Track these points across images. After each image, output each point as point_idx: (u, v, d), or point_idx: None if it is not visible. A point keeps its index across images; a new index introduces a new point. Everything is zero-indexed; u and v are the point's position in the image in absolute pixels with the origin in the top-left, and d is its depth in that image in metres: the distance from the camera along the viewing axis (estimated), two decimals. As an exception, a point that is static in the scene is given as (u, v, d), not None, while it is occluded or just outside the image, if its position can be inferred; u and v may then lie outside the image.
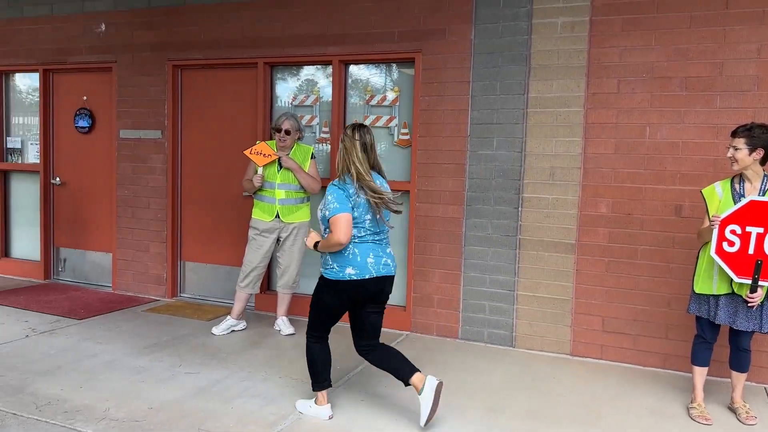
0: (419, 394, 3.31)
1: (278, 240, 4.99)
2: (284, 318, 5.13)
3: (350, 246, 3.28)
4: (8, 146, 6.98)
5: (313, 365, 3.48)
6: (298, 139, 4.98)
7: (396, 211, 3.39)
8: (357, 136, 3.32)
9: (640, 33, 4.46)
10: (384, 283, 3.37)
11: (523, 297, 4.83)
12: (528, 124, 4.75)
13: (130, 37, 6.10)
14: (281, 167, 4.89)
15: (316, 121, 5.56)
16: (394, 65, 5.28)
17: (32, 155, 6.86)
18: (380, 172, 3.45)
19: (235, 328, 5.10)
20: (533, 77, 4.72)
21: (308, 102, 5.58)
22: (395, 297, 5.36)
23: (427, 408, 3.27)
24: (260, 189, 4.95)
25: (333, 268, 3.32)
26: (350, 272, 3.28)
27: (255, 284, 5.05)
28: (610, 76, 4.54)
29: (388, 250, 3.41)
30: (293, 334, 5.05)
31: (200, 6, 5.77)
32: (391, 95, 5.28)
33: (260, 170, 4.92)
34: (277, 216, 4.92)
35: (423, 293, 5.13)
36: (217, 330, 5.00)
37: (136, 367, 4.21)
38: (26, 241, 6.99)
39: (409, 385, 3.35)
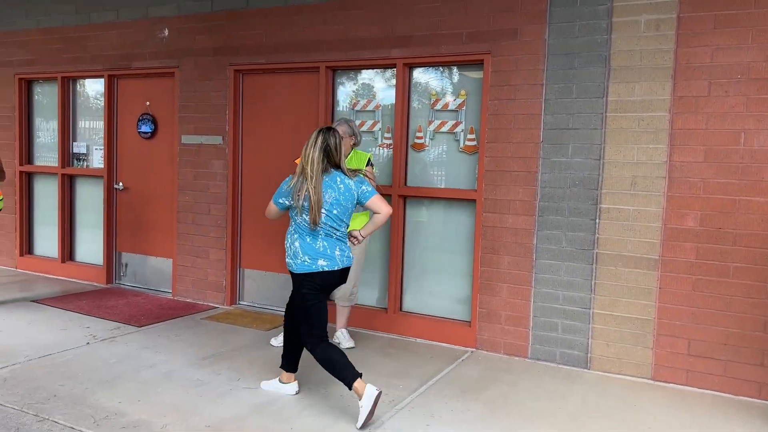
0: (360, 400, 3.42)
1: None
2: (344, 330, 4.95)
3: (320, 240, 3.52)
4: (74, 151, 7.07)
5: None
6: (354, 144, 4.78)
7: (312, 223, 3.50)
8: (320, 140, 3.51)
9: (735, 30, 4.07)
10: (344, 276, 3.65)
11: (600, 316, 4.49)
12: (607, 130, 4.42)
13: (192, 41, 6.07)
14: None
15: (378, 126, 5.37)
16: (461, 68, 5.04)
17: (97, 160, 6.93)
18: (344, 172, 3.58)
19: (294, 340, 4.95)
20: (613, 79, 4.39)
21: (370, 107, 5.40)
22: (458, 311, 5.11)
23: (364, 414, 3.40)
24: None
25: (305, 261, 3.53)
26: (322, 263, 3.52)
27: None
28: (700, 77, 4.17)
29: (337, 245, 3.59)
30: (353, 347, 4.86)
31: (262, 10, 5.68)
32: (457, 99, 5.04)
33: None
34: None
35: (489, 308, 4.85)
36: (276, 341, 4.86)
37: (194, 379, 4.10)
38: (90, 245, 7.06)
39: (352, 390, 3.45)
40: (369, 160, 4.76)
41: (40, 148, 7.35)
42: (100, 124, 6.88)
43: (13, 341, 4.72)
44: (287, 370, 3.92)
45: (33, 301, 5.95)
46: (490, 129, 4.79)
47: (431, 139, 5.16)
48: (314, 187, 3.42)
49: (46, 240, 7.34)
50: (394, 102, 5.25)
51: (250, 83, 5.92)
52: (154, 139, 6.52)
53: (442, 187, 5.14)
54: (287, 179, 3.58)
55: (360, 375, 3.49)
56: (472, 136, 4.99)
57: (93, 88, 6.93)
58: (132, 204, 6.71)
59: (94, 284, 6.80)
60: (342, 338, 4.90)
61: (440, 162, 5.15)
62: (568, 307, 4.59)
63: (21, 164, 7.30)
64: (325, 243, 3.53)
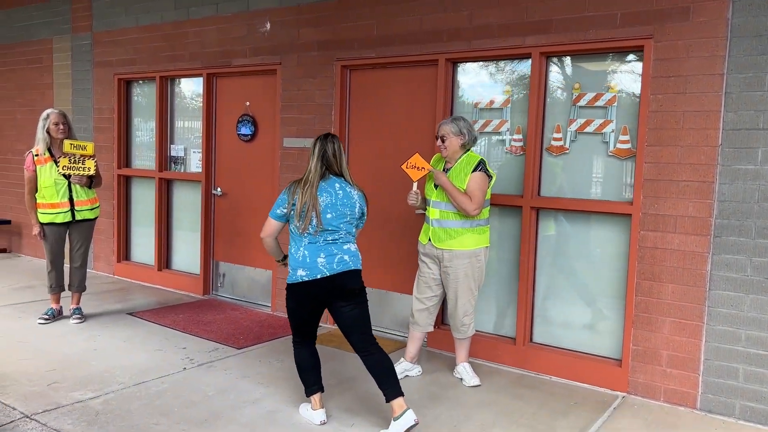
0: (393, 419, 3.32)
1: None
2: (466, 365, 4.26)
3: (301, 248, 3.41)
4: (172, 154, 6.76)
5: (299, 370, 3.59)
6: (463, 145, 4.06)
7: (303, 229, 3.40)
8: (317, 148, 3.45)
9: None
10: (343, 279, 3.42)
11: (799, 364, 3.57)
12: (813, 130, 3.50)
13: (296, 35, 5.55)
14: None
15: (506, 126, 4.64)
16: (613, 56, 4.22)
17: (194, 164, 6.58)
18: (347, 179, 3.50)
19: (410, 373, 4.31)
20: (823, 66, 3.46)
21: (497, 104, 4.68)
22: (603, 347, 4.30)
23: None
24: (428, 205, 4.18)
25: (289, 271, 3.48)
26: (301, 274, 3.40)
27: (424, 321, 4.24)
28: None
29: (345, 247, 3.46)
30: (479, 385, 4.16)
31: (373, -3, 5.08)
32: (606, 94, 4.23)
33: (415, 186, 4.14)
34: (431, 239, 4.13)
35: (646, 346, 4.02)
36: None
37: (302, 423, 3.54)
38: (186, 253, 6.74)
39: (389, 403, 3.36)
40: (481, 164, 4.01)
41: (138, 151, 7.11)
42: (197, 126, 6.53)
43: (108, 363, 4.34)
44: (309, 394, 3.65)
45: (129, 313, 5.63)
46: (652, 129, 3.95)
47: (572, 141, 4.38)
48: (305, 191, 3.37)
49: (143, 246, 7.09)
50: (525, 98, 4.51)
51: (358, 80, 5.33)
52: (254, 142, 6.08)
53: (586, 198, 4.35)
54: (285, 190, 3.49)
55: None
56: (626, 138, 4.16)
57: (191, 87, 6.59)
58: (230, 211, 6.30)
59: (190, 295, 6.46)
60: (464, 374, 4.22)
61: (583, 168, 4.36)
62: (752, 350, 3.69)
63: (119, 167, 7.08)
64: (306, 251, 3.40)
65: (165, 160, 6.76)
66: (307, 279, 3.38)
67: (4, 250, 8.39)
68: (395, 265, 5.20)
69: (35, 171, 5.12)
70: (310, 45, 5.47)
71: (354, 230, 3.54)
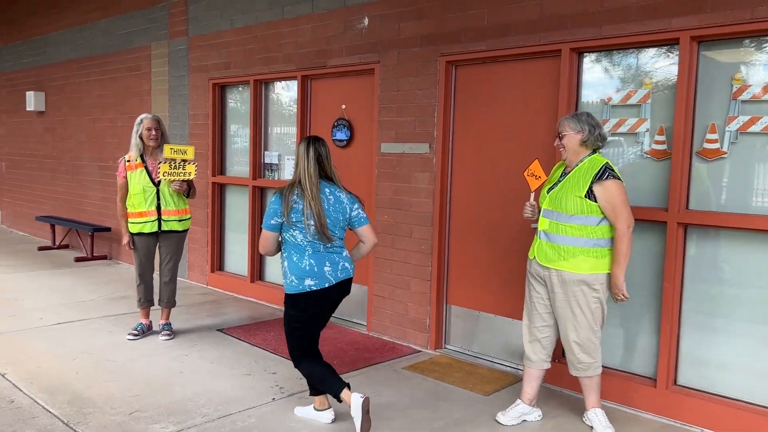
0: (350, 411, 3.25)
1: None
2: (597, 411, 3.56)
3: (306, 258, 3.34)
4: (266, 161, 6.46)
5: (315, 376, 3.43)
6: (583, 143, 3.37)
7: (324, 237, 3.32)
8: (312, 152, 3.37)
9: None
10: (346, 288, 3.48)
11: None
12: None
13: (396, 30, 5.06)
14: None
15: (645, 125, 3.91)
16: (786, 38, 3.41)
17: (288, 171, 6.23)
18: (336, 182, 3.46)
19: (528, 418, 3.68)
20: None
21: (633, 100, 3.96)
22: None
23: (358, 423, 3.22)
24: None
25: (292, 281, 3.38)
26: (309, 283, 3.34)
27: (537, 356, 3.60)
28: None
29: (344, 254, 3.47)
30: (613, 437, 3.47)
31: (484, -18, 4.49)
32: (778, 85, 3.43)
33: (531, 197, 3.59)
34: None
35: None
36: (504, 418, 3.63)
37: (405, 478, 3.01)
38: (280, 266, 6.40)
39: (341, 401, 3.32)
40: (606, 170, 3.30)
41: (232, 158, 6.88)
42: (292, 132, 6.18)
43: (193, 389, 4.00)
44: (315, 394, 3.59)
45: (219, 330, 5.34)
46: None
47: (732, 143, 3.59)
48: (314, 200, 3.29)
49: (237, 256, 6.84)
50: (671, 92, 3.77)
51: (465, 77, 4.76)
52: (349, 148, 5.64)
53: (749, 213, 3.55)
54: (274, 199, 3.37)
55: (347, 385, 3.34)
56: (807, 139, 3.34)
57: (285, 91, 6.26)
58: (323, 221, 5.90)
59: (282, 309, 6.11)
60: (596, 423, 3.52)
61: (746, 176, 3.56)
62: None
63: (213, 175, 6.87)
64: (312, 260, 3.35)
65: (259, 167, 6.47)
66: (316, 288, 3.34)
67: (104, 257, 8.46)
68: (505, 286, 4.58)
69: (126, 178, 4.92)
70: (411, 40, 4.96)
71: (343, 234, 3.48)
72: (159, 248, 5.08)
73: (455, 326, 4.93)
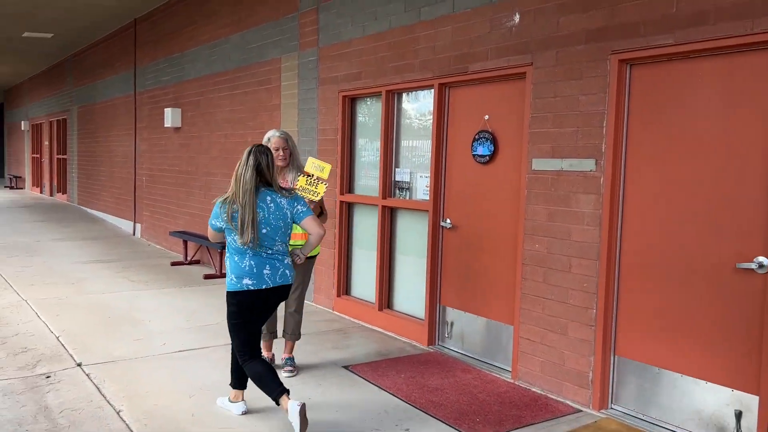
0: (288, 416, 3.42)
1: None
2: None
3: (247, 259, 3.54)
4: (396, 179, 5.89)
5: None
6: None
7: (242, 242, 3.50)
8: (251, 160, 3.52)
9: None
10: (284, 293, 3.68)
11: None
12: None
13: (554, 26, 4.29)
14: None
15: None
16: None
17: (421, 190, 5.62)
18: (278, 189, 3.59)
19: None
20: None
21: None
22: None
23: (297, 427, 3.37)
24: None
25: (231, 279, 3.58)
26: (247, 282, 3.54)
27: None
28: None
29: (286, 261, 3.67)
30: None
31: (671, -39, 3.62)
32: None
33: None
34: None
35: None
36: None
37: None
38: (410, 293, 5.79)
39: (279, 405, 3.51)
40: None
41: (361, 175, 6.38)
42: (425, 147, 5.57)
43: (314, 445, 3.46)
44: (234, 387, 3.86)
45: (345, 366, 4.80)
46: None
47: None
48: (244, 206, 3.46)
49: (365, 281, 6.32)
50: None
51: (643, 78, 3.89)
52: (492, 164, 4.92)
53: None
54: (218, 201, 3.56)
55: (287, 391, 3.49)
56: None
57: (420, 102, 5.66)
58: (462, 247, 5.21)
59: (413, 344, 5.48)
60: None
61: None
62: None
63: (341, 193, 6.42)
64: (252, 262, 3.54)
65: (389, 185, 5.92)
66: (253, 288, 3.54)
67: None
68: (703, 340, 3.63)
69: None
70: (574, 36, 4.17)
71: (285, 240, 3.64)
72: None
73: (626, 383, 4.04)
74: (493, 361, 4.95)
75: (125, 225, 12.58)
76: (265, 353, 4.71)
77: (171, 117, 9.91)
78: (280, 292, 3.66)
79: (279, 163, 4.45)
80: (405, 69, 5.55)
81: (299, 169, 4.53)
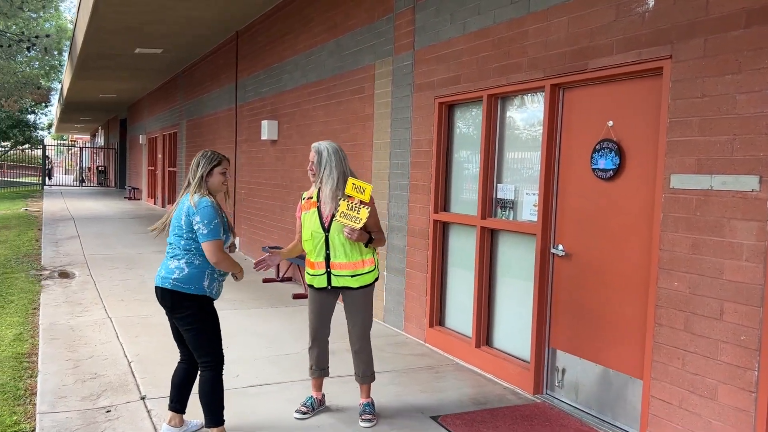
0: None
1: None
2: None
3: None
4: (498, 196, 5.13)
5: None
6: None
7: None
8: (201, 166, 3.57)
9: None
10: (159, 294, 3.54)
11: None
12: None
13: (702, 7, 3.40)
14: None
15: None
16: None
17: (527, 210, 4.82)
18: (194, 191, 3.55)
19: None
20: None
21: None
22: None
23: None
24: None
25: None
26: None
27: None
28: None
29: (168, 262, 3.53)
30: None
31: None
32: None
33: None
34: None
35: None
36: None
37: None
38: (513, 329, 4.99)
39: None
40: None
41: (458, 192, 5.67)
42: (533, 159, 4.78)
43: None
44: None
45: (434, 417, 4.09)
46: None
47: None
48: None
49: (460, 310, 5.59)
50: None
51: (830, 68, 2.93)
52: (617, 180, 4.05)
53: None
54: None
55: (178, 410, 3.68)
56: None
57: (526, 106, 4.88)
58: (577, 280, 4.36)
59: (516, 391, 4.67)
60: None
61: None
62: None
63: (435, 211, 5.73)
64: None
65: (489, 203, 5.16)
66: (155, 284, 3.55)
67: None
68: None
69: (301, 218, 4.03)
70: (729, 19, 3.26)
71: (183, 243, 3.47)
72: (344, 308, 4.05)
73: (800, 472, 3.04)
74: (614, 421, 4.05)
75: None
76: (313, 393, 4.12)
77: (267, 129, 9.68)
78: (163, 295, 3.51)
79: (311, 178, 3.99)
80: (511, 69, 4.80)
81: (336, 182, 3.89)
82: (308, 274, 4.01)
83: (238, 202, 11.66)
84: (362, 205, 3.81)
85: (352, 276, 3.93)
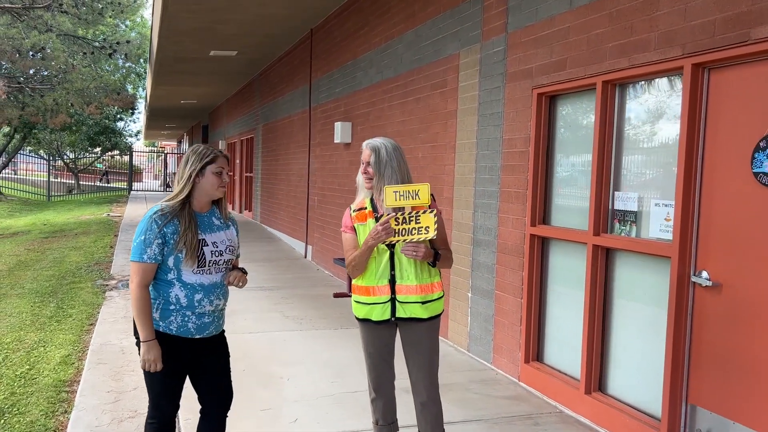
0: None
1: None
2: None
3: None
4: (616, 207, 4.13)
5: None
6: None
7: None
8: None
9: None
10: None
11: None
12: None
13: None
14: None
15: None
16: None
17: (656, 226, 3.80)
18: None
19: None
20: None
21: None
22: None
23: None
24: None
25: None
26: None
27: None
28: None
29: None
30: None
31: None
32: None
33: None
34: None
35: None
36: None
37: None
38: (634, 372, 3.98)
39: None
40: None
41: (562, 201, 4.70)
42: (663, 161, 3.76)
43: None
44: None
45: (537, 494, 3.17)
46: None
47: None
48: None
49: (564, 345, 4.62)
50: None
51: None
52: (794, 189, 3.00)
53: None
54: None
55: None
56: None
57: (655, 93, 3.86)
58: (728, 318, 3.31)
59: (641, 456, 3.67)
60: None
61: None
62: None
63: (532, 224, 4.79)
64: None
65: (604, 216, 4.17)
66: None
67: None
68: None
69: (354, 230, 3.19)
70: None
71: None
72: (402, 344, 3.19)
73: None
74: None
75: (298, 246, 12.02)
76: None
77: (341, 132, 8.99)
78: None
79: (366, 184, 3.15)
80: (635, 47, 3.81)
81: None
82: (360, 303, 3.19)
83: (311, 209, 11.06)
84: (420, 213, 2.99)
85: (422, 303, 3.10)
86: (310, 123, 11.15)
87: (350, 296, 7.95)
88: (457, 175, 5.86)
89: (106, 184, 37.68)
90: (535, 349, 4.86)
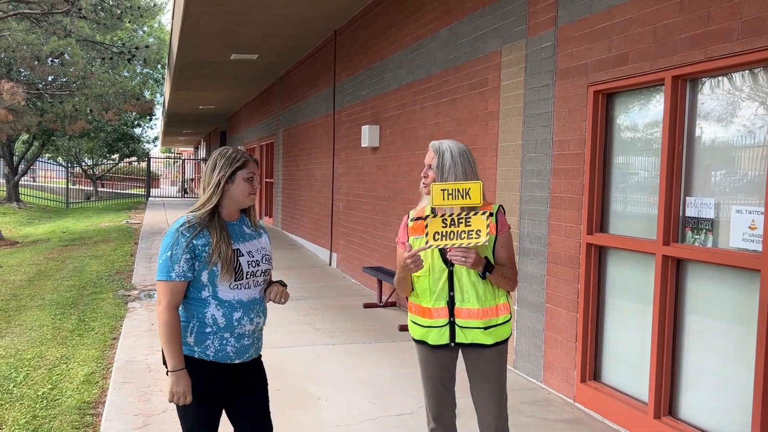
0: None
1: None
2: None
3: None
4: (688, 214, 3.76)
5: None
6: None
7: None
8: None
9: None
10: None
11: None
12: None
13: None
14: None
15: None
16: None
17: (737, 234, 3.43)
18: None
19: None
20: None
21: None
22: None
23: None
24: None
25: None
26: None
27: None
28: None
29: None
30: None
31: None
32: None
33: None
34: None
35: None
36: None
37: None
38: (712, 398, 3.60)
39: None
40: None
41: (622, 207, 4.34)
42: (746, 162, 3.39)
43: None
44: None
45: None
46: None
47: None
48: None
49: (626, 362, 4.25)
50: None
51: None
52: None
53: None
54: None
55: None
56: None
57: (734, 90, 3.49)
58: (834, 340, 2.93)
59: (727, 492, 3.29)
60: None
61: None
62: None
63: (589, 232, 4.43)
64: None
65: (675, 223, 3.81)
66: None
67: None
68: None
69: (408, 244, 2.84)
70: None
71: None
72: (466, 371, 2.85)
73: None
74: None
75: (322, 253, 11.71)
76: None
77: (368, 135, 8.67)
78: None
79: (424, 189, 2.85)
80: (711, 38, 3.45)
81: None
82: (417, 324, 2.86)
83: (336, 215, 10.75)
84: (473, 213, 2.65)
85: (485, 328, 2.75)
86: (334, 127, 10.86)
87: (382, 306, 7.64)
88: (499, 180, 5.52)
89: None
90: (592, 368, 4.49)
